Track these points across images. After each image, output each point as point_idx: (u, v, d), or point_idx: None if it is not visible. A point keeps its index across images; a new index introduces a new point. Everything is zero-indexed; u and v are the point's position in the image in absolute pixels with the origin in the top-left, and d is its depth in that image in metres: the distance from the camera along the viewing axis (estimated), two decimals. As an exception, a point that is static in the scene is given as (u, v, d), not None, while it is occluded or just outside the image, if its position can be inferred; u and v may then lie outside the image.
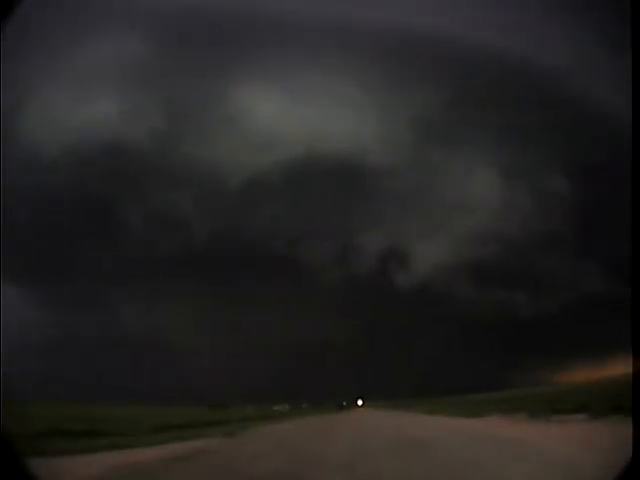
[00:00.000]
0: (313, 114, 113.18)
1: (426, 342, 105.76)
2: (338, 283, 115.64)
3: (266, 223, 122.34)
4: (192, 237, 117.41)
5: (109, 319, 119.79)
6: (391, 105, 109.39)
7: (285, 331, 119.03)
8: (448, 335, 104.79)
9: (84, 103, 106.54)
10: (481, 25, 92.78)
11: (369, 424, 34.51)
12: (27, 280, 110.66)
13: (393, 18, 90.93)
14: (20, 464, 5.82)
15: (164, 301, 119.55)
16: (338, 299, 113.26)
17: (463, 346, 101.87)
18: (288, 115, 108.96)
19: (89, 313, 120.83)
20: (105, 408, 54.94)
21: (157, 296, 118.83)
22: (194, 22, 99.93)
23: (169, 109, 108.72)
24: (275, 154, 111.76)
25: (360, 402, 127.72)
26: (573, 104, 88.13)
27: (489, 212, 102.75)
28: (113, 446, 17.56)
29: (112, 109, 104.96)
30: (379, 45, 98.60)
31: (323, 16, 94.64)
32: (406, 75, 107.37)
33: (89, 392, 79.97)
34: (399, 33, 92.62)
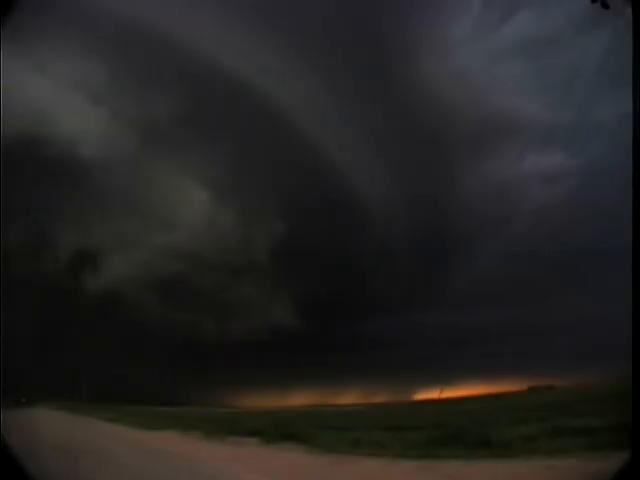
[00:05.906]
0: (40, 94, 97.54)
1: (107, 349, 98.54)
2: (24, 275, 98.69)
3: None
4: None
5: None
6: (124, 103, 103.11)
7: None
8: (130, 346, 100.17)
9: None
10: (235, 49, 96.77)
11: (44, 425, 31.42)
12: None
13: (158, 21, 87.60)
14: None
15: None
16: (24, 291, 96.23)
17: (144, 358, 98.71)
18: (16, 88, 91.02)
19: None
20: None
21: None
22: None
23: None
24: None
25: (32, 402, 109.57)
26: (301, 145, 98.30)
27: (191, 231, 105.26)
28: None
29: None
30: (136, 42, 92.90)
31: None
32: (148, 79, 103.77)
33: None
34: (157, 35, 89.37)
